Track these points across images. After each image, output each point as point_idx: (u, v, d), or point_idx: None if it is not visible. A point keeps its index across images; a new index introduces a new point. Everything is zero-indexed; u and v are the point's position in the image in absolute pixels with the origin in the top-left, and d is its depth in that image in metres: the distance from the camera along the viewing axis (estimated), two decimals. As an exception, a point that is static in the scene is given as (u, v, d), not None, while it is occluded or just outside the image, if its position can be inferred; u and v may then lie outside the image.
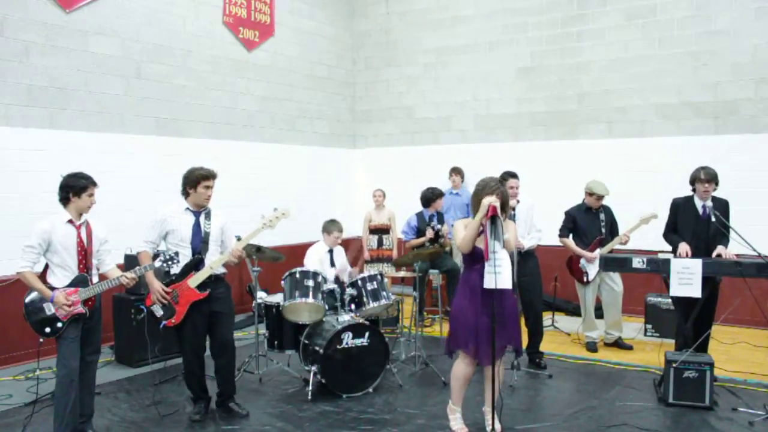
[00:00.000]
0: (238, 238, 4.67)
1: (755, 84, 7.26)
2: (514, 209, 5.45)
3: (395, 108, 9.92)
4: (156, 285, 4.42)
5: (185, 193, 4.52)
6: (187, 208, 4.52)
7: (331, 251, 5.95)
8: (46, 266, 4.07)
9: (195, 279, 4.44)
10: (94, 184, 4.11)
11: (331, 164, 9.81)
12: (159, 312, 4.47)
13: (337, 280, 5.82)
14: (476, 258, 4.03)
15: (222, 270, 4.61)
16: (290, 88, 9.02)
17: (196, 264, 4.48)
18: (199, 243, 4.49)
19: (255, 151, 8.42)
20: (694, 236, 5.12)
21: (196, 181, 4.45)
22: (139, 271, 4.17)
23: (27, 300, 4.04)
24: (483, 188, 4.04)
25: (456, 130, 9.35)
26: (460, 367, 4.19)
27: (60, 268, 4.01)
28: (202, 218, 4.53)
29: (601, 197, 6.19)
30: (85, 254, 4.07)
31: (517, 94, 8.79)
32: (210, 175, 4.49)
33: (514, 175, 5.61)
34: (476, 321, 4.00)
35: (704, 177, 5.04)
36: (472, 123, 9.20)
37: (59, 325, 3.97)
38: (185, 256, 4.48)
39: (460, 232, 4.11)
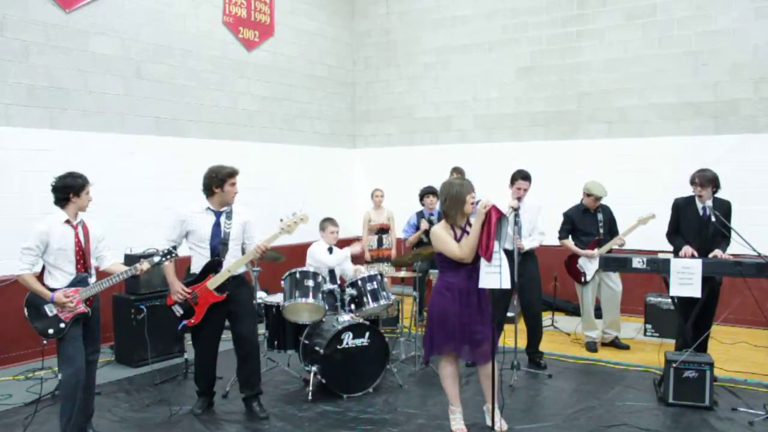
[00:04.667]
0: None
1: (755, 84, 7.26)
2: (516, 209, 5.43)
3: (395, 108, 9.92)
4: (176, 285, 4.47)
5: (210, 192, 4.51)
6: (209, 208, 4.52)
7: (330, 249, 5.93)
8: (43, 268, 4.03)
9: (214, 281, 4.47)
10: (89, 181, 4.11)
11: (331, 164, 9.81)
12: (179, 311, 4.53)
13: (333, 277, 5.79)
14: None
15: (242, 270, 4.62)
16: (290, 88, 9.01)
17: (214, 266, 4.49)
18: (218, 244, 4.50)
19: (255, 151, 8.41)
20: (696, 236, 5.11)
21: (223, 179, 4.47)
22: (151, 261, 4.17)
23: (27, 302, 4.00)
24: (460, 191, 4.04)
25: (456, 130, 9.35)
26: (445, 367, 4.24)
27: (58, 269, 3.99)
28: (222, 218, 4.53)
29: (598, 198, 6.20)
30: (83, 254, 4.05)
31: (517, 94, 8.78)
32: (236, 172, 4.55)
33: (524, 177, 5.55)
34: (456, 322, 4.03)
35: (698, 181, 5.03)
36: (472, 123, 9.20)
37: (62, 326, 3.95)
38: (204, 257, 4.50)
39: (448, 240, 4.06)
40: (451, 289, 4.06)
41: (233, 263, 4.51)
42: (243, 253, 4.65)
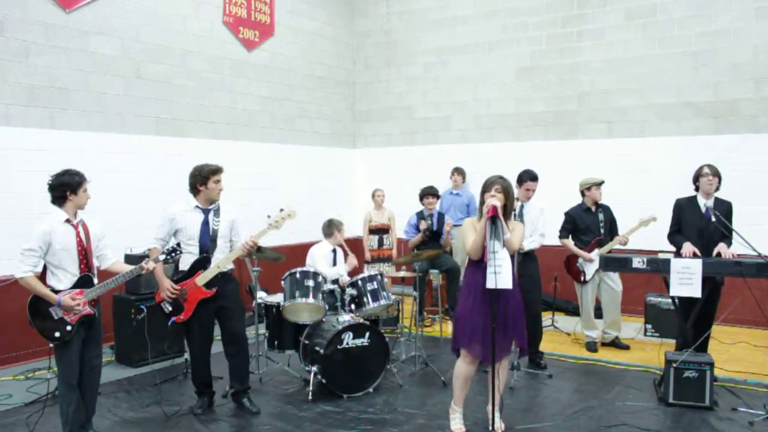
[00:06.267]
0: None
1: (755, 84, 7.26)
2: (516, 210, 5.44)
3: (395, 108, 9.92)
4: (165, 283, 4.48)
5: (195, 191, 4.55)
6: (197, 206, 4.56)
7: (334, 250, 5.94)
8: (44, 268, 3.98)
9: (203, 277, 4.50)
10: (86, 179, 4.07)
11: (331, 164, 9.81)
12: (168, 308, 4.54)
13: (335, 281, 5.81)
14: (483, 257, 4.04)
15: (230, 266, 4.65)
16: (290, 88, 9.02)
17: (203, 262, 4.52)
18: (207, 241, 4.54)
19: (255, 151, 8.42)
20: (698, 237, 5.11)
21: (206, 176, 4.51)
22: (157, 260, 4.21)
23: (30, 305, 3.93)
24: (483, 188, 4.09)
25: (456, 130, 9.35)
26: (461, 366, 4.21)
27: (61, 269, 3.94)
28: (210, 216, 4.58)
29: (600, 185, 6.22)
30: (85, 253, 4.01)
31: (517, 94, 8.79)
32: (219, 169, 4.59)
33: (533, 177, 5.58)
34: (482, 320, 4.02)
35: (708, 170, 5.10)
36: (472, 123, 9.20)
37: (68, 328, 3.91)
38: (192, 255, 4.53)
39: (469, 234, 4.11)
40: (469, 285, 4.15)
41: (222, 259, 4.56)
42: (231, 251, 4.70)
